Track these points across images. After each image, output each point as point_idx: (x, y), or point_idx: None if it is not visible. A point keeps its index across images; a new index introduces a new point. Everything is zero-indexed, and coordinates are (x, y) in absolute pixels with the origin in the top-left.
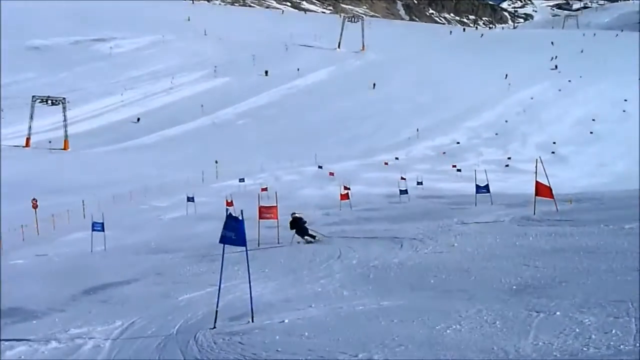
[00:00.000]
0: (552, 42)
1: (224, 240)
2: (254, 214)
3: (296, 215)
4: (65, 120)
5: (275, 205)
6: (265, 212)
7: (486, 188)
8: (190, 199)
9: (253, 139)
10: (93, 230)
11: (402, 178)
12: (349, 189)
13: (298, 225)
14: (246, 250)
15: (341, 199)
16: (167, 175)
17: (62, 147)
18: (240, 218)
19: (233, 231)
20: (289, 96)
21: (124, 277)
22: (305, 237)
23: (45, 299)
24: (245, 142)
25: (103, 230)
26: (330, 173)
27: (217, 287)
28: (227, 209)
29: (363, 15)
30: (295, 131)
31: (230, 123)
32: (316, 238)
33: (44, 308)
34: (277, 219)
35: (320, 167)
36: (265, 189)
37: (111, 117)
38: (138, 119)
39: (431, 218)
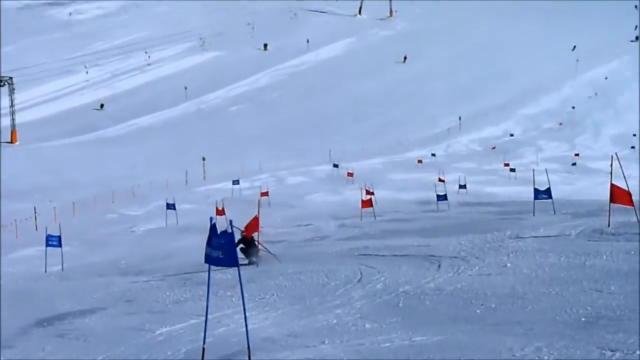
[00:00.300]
0: (635, 6)
1: (209, 260)
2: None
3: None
4: (12, 105)
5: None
6: (254, 222)
7: (547, 193)
8: (170, 206)
9: (250, 130)
10: (47, 245)
11: (440, 180)
12: (372, 193)
13: (246, 240)
14: (239, 272)
15: (362, 207)
16: (140, 177)
17: (8, 140)
18: (229, 231)
19: (220, 248)
20: (295, 76)
21: (86, 304)
22: (250, 257)
23: None
24: (240, 134)
25: (60, 246)
26: (348, 174)
27: (204, 318)
28: (211, 220)
29: None
30: (304, 120)
31: (221, 110)
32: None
33: None
34: (257, 231)
35: (335, 165)
36: (266, 194)
37: (70, 103)
38: (102, 105)
39: (477, 231)
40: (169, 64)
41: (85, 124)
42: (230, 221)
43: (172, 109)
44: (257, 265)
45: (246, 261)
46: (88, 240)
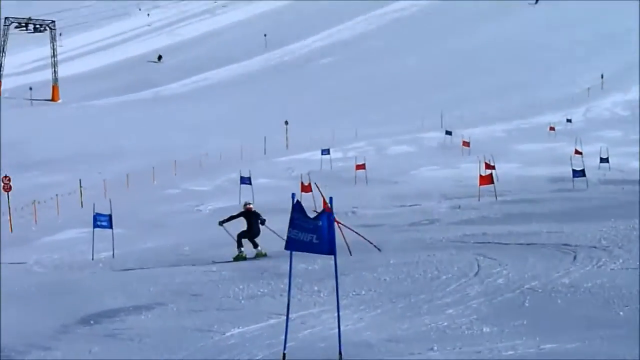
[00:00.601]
0: None
1: (293, 245)
2: (345, 204)
3: (250, 206)
4: (53, 55)
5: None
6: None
7: None
8: (244, 181)
9: (343, 88)
10: (95, 226)
11: (577, 152)
12: (493, 167)
13: (250, 223)
14: (335, 261)
15: (481, 184)
16: (208, 144)
17: (50, 98)
18: (325, 212)
19: (313, 232)
20: (400, 21)
21: (141, 299)
22: (257, 248)
23: (21, 330)
24: (330, 92)
25: (110, 227)
26: (464, 143)
27: (285, 318)
28: (293, 197)
29: None
30: (409, 76)
31: (307, 62)
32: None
33: (20, 345)
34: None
35: (448, 132)
36: (363, 167)
37: (122, 53)
38: (159, 57)
39: (622, 216)
40: (243, 7)
41: (140, 79)
42: (330, 199)
43: (248, 61)
44: (348, 255)
45: (252, 253)
46: (144, 220)
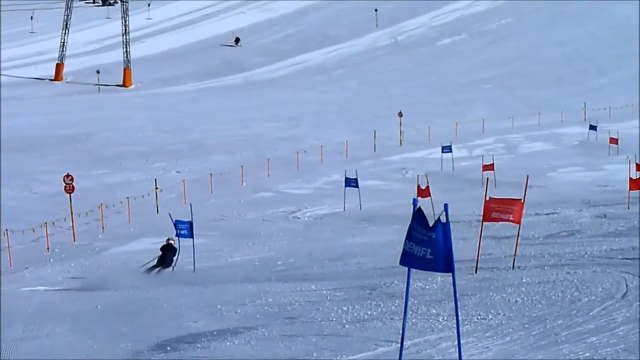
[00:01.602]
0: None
1: (408, 260)
2: (470, 211)
3: (170, 241)
4: (125, 33)
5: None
6: (496, 207)
7: None
8: (350, 183)
9: (466, 73)
10: (176, 235)
11: None
12: None
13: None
14: (453, 280)
15: (631, 189)
16: (305, 138)
17: (121, 83)
18: (441, 220)
19: (427, 245)
20: None
21: (227, 321)
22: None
23: (86, 357)
24: (452, 77)
25: (191, 237)
26: (611, 140)
27: (398, 346)
28: (414, 202)
29: None
30: (544, 59)
31: (424, 43)
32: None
33: None
34: (519, 222)
35: (592, 127)
36: (491, 167)
37: (204, 31)
38: (237, 40)
39: None
40: None
41: (224, 61)
42: (445, 206)
43: (354, 40)
44: (472, 272)
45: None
46: (230, 229)
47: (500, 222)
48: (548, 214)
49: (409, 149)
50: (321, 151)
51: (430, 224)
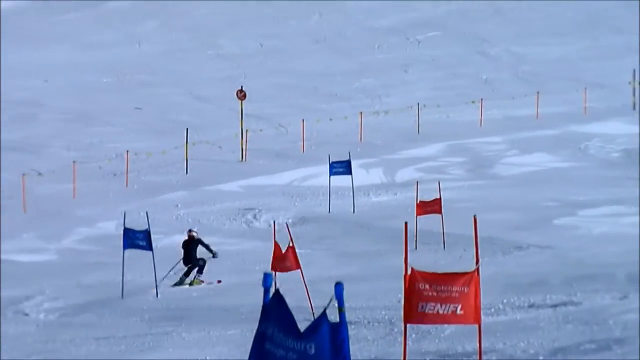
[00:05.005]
0: None
1: None
2: (393, 299)
3: (193, 232)
4: None
5: None
6: (428, 290)
7: None
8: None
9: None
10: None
11: None
12: None
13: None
14: None
15: None
16: None
17: None
18: (327, 318)
19: None
20: None
21: None
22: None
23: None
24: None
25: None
26: None
27: None
28: (266, 278)
29: None
30: None
31: None
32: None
33: None
34: (476, 321)
35: None
36: (435, 206)
37: None
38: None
39: None
40: None
41: None
42: (338, 287)
43: None
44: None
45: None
46: None
47: (440, 324)
48: (557, 305)
49: (260, 168)
50: None
51: (303, 328)
